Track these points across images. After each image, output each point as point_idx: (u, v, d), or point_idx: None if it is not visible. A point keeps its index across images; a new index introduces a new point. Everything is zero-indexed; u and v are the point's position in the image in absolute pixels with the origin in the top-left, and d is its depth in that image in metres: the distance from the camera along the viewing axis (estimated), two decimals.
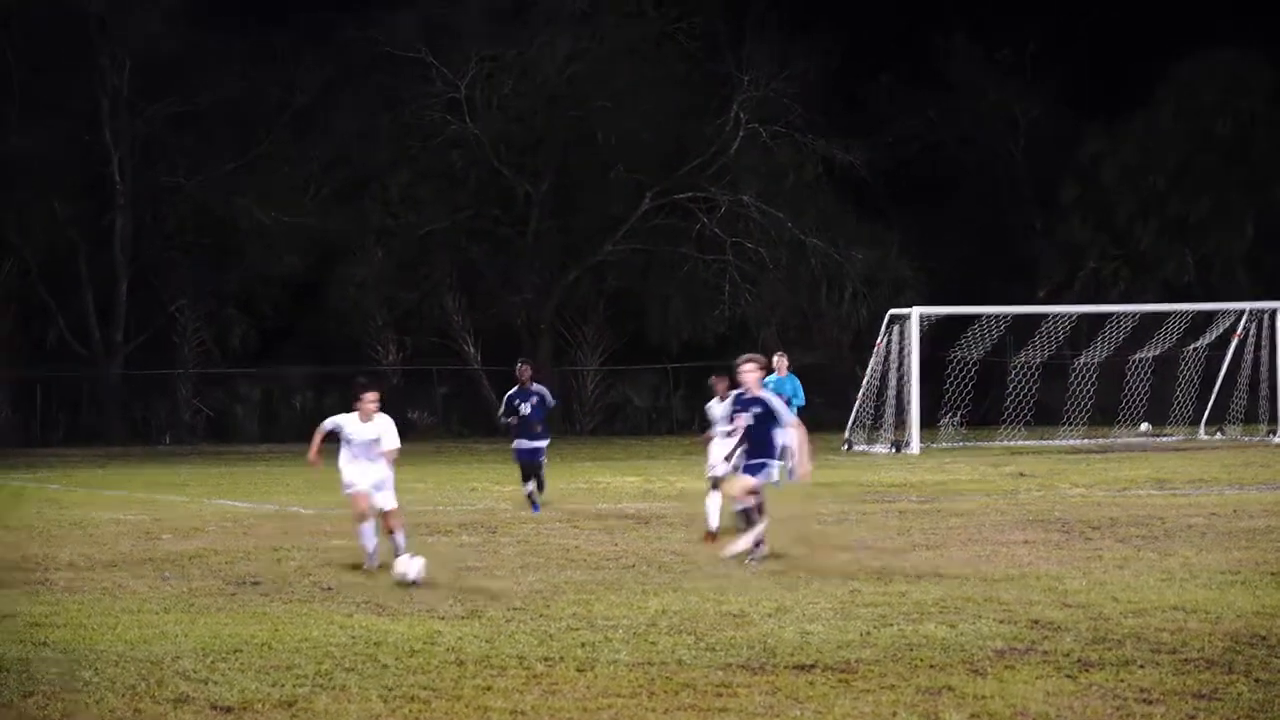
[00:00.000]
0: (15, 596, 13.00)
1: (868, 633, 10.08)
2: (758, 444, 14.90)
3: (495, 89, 57.99)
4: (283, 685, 7.88)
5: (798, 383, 28.71)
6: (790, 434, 15.26)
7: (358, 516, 14.93)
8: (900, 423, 39.84)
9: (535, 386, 23.62)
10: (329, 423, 15.52)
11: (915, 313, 40.45)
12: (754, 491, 14.81)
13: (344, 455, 14.97)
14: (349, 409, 15.46)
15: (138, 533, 20.22)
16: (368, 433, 14.78)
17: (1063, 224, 59.98)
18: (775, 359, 28.36)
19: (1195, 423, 43.27)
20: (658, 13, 57.58)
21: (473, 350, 59.23)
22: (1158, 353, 43.34)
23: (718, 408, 18.80)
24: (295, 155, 59.34)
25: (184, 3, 57.21)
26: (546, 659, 8.87)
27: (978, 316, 43.40)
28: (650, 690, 7.79)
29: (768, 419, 14.80)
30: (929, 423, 41.99)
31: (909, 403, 40.08)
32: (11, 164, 56.27)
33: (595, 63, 57.36)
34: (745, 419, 15.15)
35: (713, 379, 20.04)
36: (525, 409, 23.10)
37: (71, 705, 7.30)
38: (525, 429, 22.74)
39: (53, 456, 48.38)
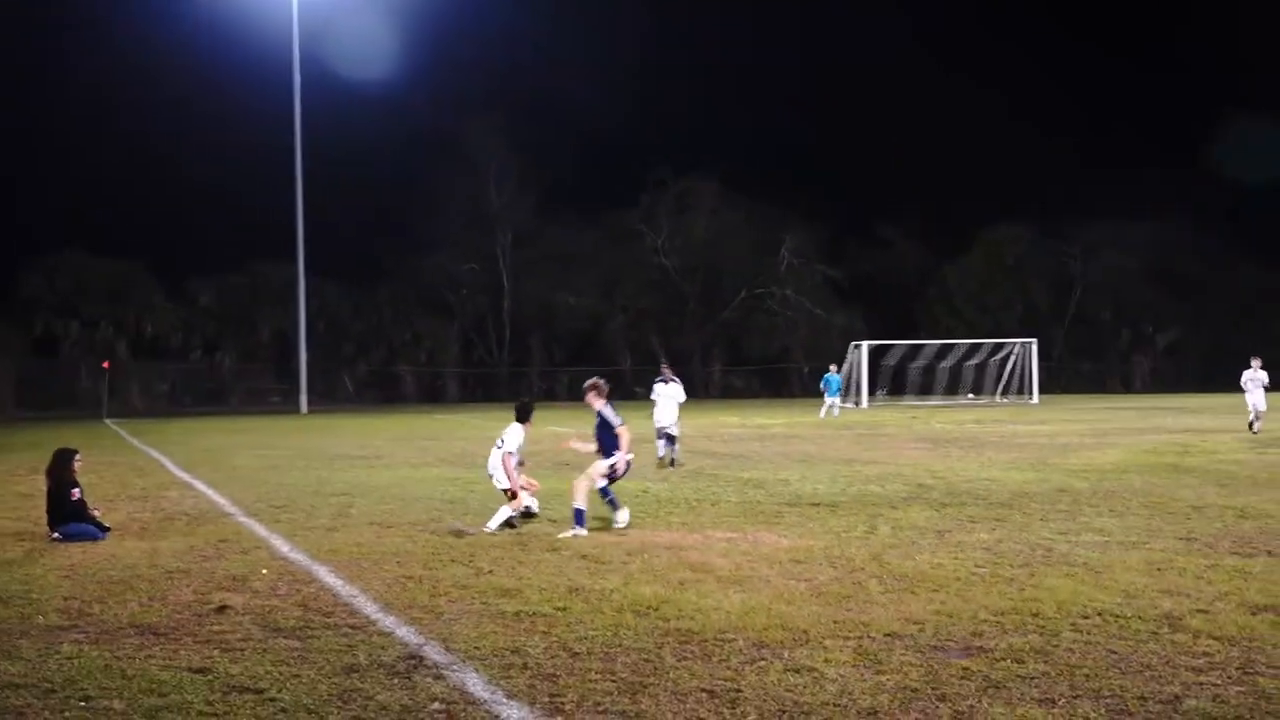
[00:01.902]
0: None
1: (843, 489, 18.26)
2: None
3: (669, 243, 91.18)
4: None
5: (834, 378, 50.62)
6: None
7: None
8: (859, 394, 62.99)
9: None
10: None
11: (865, 345, 67.94)
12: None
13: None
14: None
15: None
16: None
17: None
18: (831, 367, 52.44)
19: (994, 393, 69.15)
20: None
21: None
22: (976, 361, 71.10)
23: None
24: None
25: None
26: (697, 499, 16.98)
27: (893, 345, 71.63)
28: (746, 515, 15.86)
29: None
30: (871, 394, 67.32)
31: (861, 386, 64.85)
32: None
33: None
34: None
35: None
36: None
37: None
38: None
39: None
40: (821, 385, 50.76)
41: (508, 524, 14.58)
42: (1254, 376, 30.83)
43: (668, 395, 24.05)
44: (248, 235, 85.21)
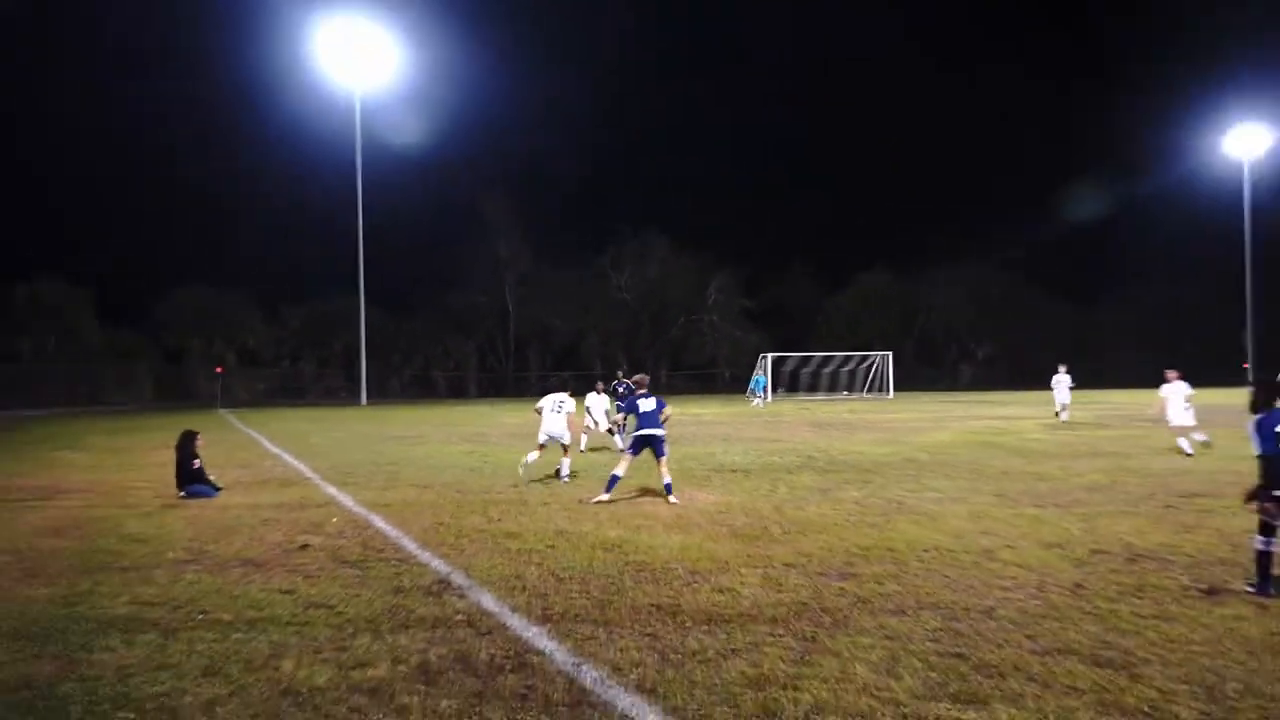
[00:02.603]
0: None
1: (754, 460, 17.95)
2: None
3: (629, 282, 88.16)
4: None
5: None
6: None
7: None
8: (766, 392, 56.13)
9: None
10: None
11: (770, 356, 63.32)
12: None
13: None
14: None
15: None
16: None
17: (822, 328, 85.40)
18: (758, 371, 51.98)
19: (862, 390, 66.72)
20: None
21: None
22: (849, 367, 69.04)
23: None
24: None
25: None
26: (649, 467, 16.86)
27: (790, 356, 67.86)
28: (684, 479, 15.82)
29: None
30: (774, 392, 61.48)
31: (768, 386, 57.18)
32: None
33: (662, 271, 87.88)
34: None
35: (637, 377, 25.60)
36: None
37: None
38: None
39: None
40: (751, 385, 54.08)
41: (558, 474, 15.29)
42: (1060, 380, 30.61)
43: (598, 404, 21.26)
44: (322, 274, 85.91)
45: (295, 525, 11.11)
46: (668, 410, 13.67)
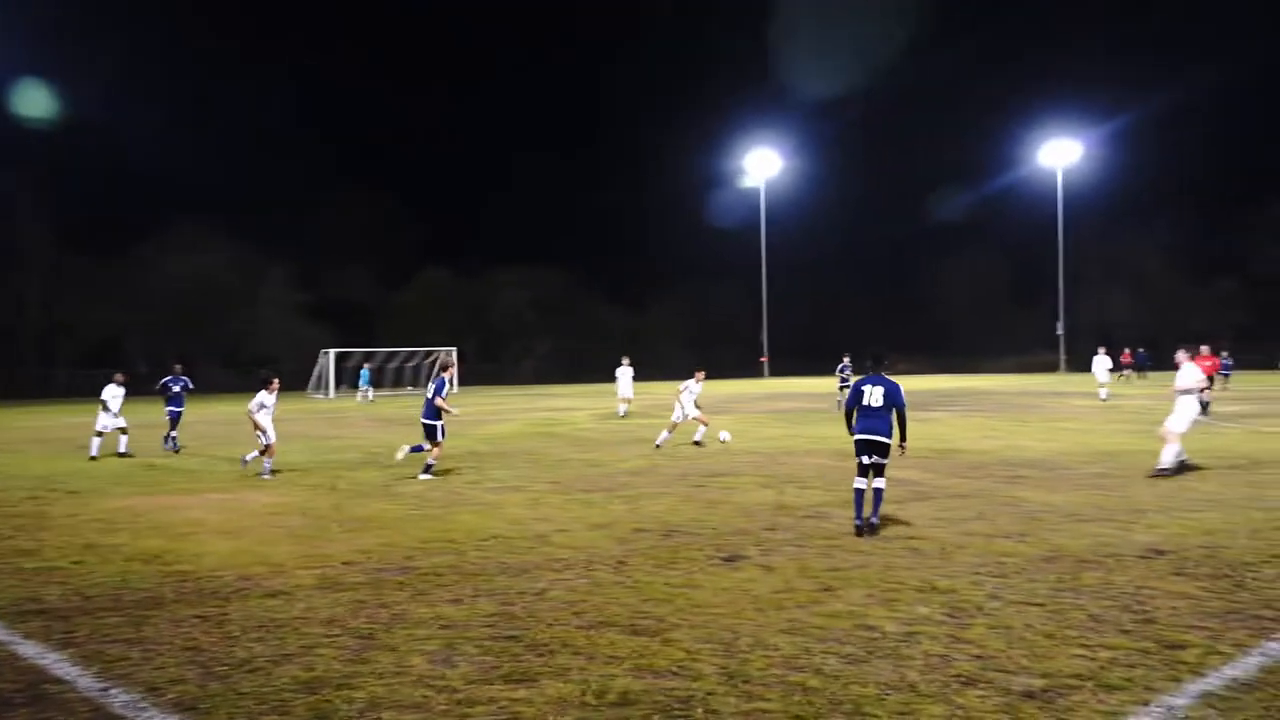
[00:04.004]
0: None
1: (313, 458, 16.91)
2: None
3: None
4: None
5: None
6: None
7: None
8: (327, 388, 53.10)
9: None
10: None
11: (332, 351, 53.98)
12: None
13: None
14: None
15: None
16: None
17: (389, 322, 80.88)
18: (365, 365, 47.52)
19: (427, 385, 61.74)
20: None
21: None
22: (414, 363, 64.19)
23: None
24: None
25: None
26: (196, 469, 15.51)
27: (352, 352, 59.79)
28: (236, 480, 14.89)
29: None
30: (338, 388, 55.35)
31: (329, 382, 54.75)
32: None
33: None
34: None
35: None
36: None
37: None
38: None
39: None
40: (359, 380, 51.23)
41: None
42: (1100, 361, 30.49)
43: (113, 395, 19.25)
44: None
45: None
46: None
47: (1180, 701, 4.84)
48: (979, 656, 5.56)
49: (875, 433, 9.38)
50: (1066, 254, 78.84)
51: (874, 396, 9.46)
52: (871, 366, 9.84)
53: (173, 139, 76.51)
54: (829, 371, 35.45)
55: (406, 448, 15.16)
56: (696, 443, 18.78)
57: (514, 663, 5.63)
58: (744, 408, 32.79)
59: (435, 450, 14.68)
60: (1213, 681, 5.10)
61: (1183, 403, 13.62)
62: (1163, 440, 13.38)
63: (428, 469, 14.59)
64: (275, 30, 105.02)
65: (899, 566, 7.84)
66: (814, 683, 5.18)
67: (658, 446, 18.32)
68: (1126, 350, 52.38)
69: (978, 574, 7.55)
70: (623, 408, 29.95)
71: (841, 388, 31.52)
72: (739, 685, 5.18)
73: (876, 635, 6.00)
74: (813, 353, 76.00)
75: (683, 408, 19.07)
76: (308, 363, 59.42)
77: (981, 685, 5.11)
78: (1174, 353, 14.67)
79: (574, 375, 79.48)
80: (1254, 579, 7.25)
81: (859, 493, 9.36)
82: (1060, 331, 77.33)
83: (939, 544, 8.74)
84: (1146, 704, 4.82)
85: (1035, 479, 13.07)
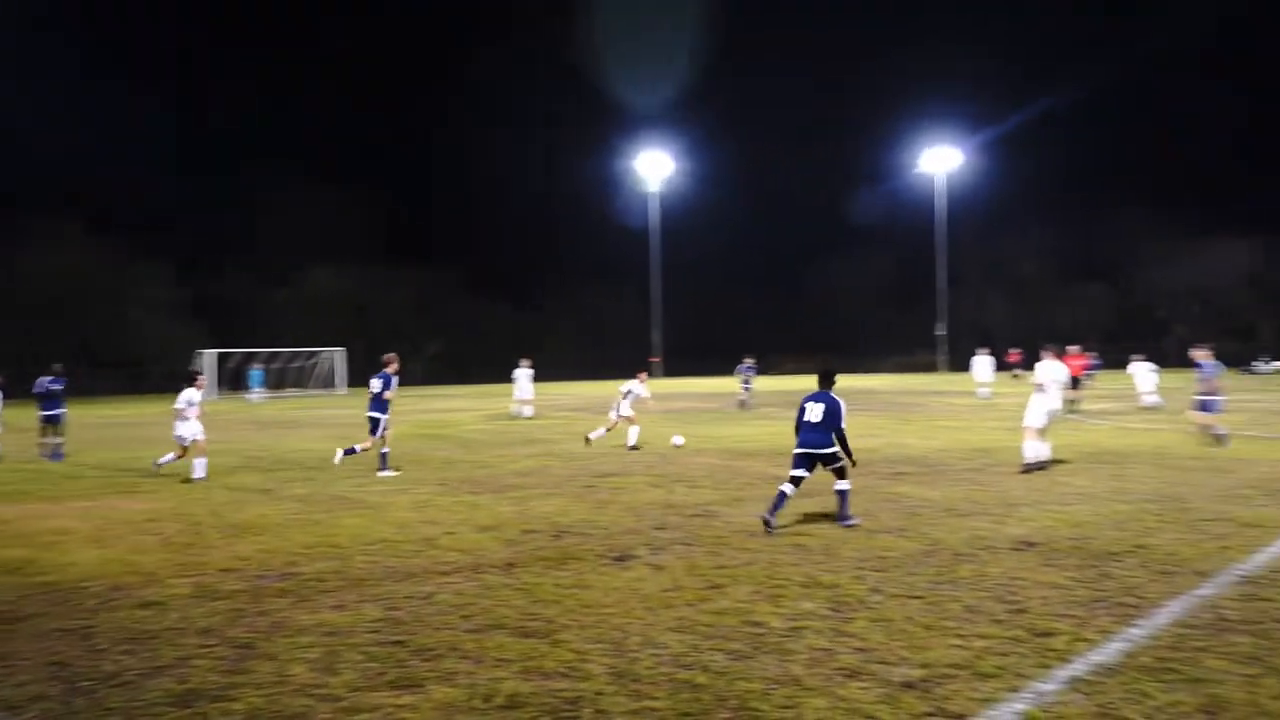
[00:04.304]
0: None
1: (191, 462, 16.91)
2: None
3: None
4: None
5: None
6: None
7: None
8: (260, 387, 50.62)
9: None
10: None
11: (209, 352, 56.31)
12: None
13: None
14: None
15: None
16: None
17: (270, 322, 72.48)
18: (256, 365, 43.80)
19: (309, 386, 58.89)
20: None
21: None
22: (298, 364, 64.48)
23: None
24: None
25: None
26: (62, 476, 14.79)
27: (232, 352, 55.45)
28: (105, 487, 14.21)
29: None
30: (219, 389, 52.86)
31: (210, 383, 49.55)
32: None
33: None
34: None
35: None
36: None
37: None
38: None
39: None
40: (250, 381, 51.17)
41: None
42: (1138, 367, 29.68)
43: None
44: None
45: None
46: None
47: (1049, 687, 5.06)
48: (861, 649, 5.71)
49: (814, 446, 9.77)
50: (947, 257, 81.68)
51: (814, 413, 9.79)
52: (820, 383, 10.21)
53: (36, 133, 72.69)
54: (721, 372, 35.96)
55: (341, 451, 15.68)
56: (633, 447, 17.99)
57: (399, 668, 5.54)
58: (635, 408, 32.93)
59: (368, 441, 15.11)
60: (1079, 667, 5.34)
61: (1036, 399, 14.15)
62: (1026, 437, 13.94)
63: (382, 462, 14.99)
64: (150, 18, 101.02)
65: (784, 563, 7.99)
66: (701, 680, 5.24)
67: (589, 441, 18.74)
68: (1012, 350, 54.41)
69: (860, 569, 7.75)
70: (526, 409, 28.92)
71: (744, 387, 32.13)
72: (628, 684, 5.20)
73: (763, 631, 6.10)
74: (703, 353, 77.04)
75: (618, 410, 18.76)
76: (180, 363, 57.13)
77: (863, 677, 5.25)
78: (1040, 352, 15.23)
79: (464, 377, 78.58)
80: (1118, 568, 7.61)
81: (782, 494, 9.60)
82: (941, 332, 79.93)
83: (824, 540, 8.94)
84: (1017, 690, 5.02)
85: (915, 475, 13.47)
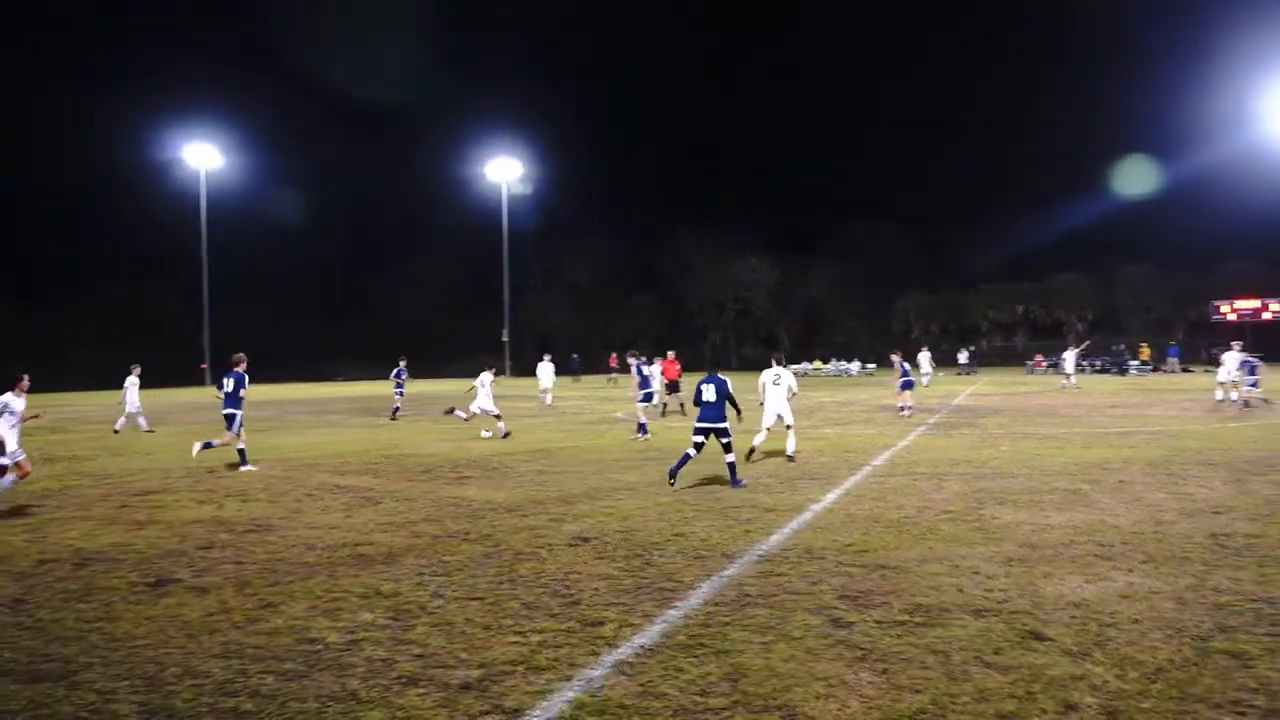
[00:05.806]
0: None
1: None
2: None
3: None
4: None
5: None
6: None
7: None
8: None
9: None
10: None
11: None
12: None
13: None
14: None
15: None
16: None
17: None
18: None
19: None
20: None
21: None
22: None
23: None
24: None
25: None
26: None
27: None
28: None
29: None
30: None
31: None
32: None
33: None
34: None
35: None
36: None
37: None
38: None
39: None
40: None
41: None
42: (482, 379, 27.72)
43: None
44: None
45: None
46: None
47: (598, 673, 5.37)
48: (421, 655, 5.69)
49: (712, 420, 12.32)
50: (511, 265, 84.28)
51: (709, 393, 12.31)
52: (708, 369, 13.05)
53: None
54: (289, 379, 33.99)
55: (199, 445, 15.83)
56: (506, 436, 20.13)
57: None
58: (184, 419, 30.40)
59: (228, 435, 15.41)
60: (625, 651, 5.73)
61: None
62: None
63: (242, 457, 15.43)
64: None
65: (344, 575, 7.77)
66: (249, 706, 4.94)
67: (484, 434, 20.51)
68: (575, 355, 57.44)
69: (423, 574, 7.73)
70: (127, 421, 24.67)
71: (398, 393, 29.40)
72: None
73: (319, 647, 5.88)
74: (262, 360, 72.49)
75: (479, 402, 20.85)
76: None
77: (422, 684, 5.24)
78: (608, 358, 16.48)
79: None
80: (659, 556, 8.28)
81: (686, 456, 12.42)
82: (506, 338, 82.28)
83: (386, 548, 8.81)
84: (570, 679, 5.28)
85: (480, 478, 13.73)
